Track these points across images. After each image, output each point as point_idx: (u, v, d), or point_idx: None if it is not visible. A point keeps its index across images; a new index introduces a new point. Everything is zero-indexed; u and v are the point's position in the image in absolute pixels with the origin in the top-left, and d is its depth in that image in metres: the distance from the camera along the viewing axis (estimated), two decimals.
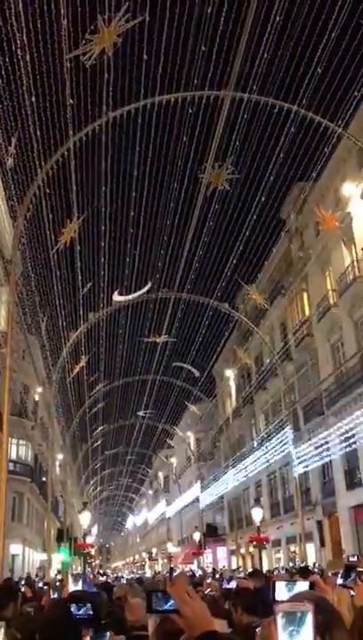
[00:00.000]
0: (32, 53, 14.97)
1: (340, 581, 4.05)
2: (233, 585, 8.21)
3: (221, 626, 4.42)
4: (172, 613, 1.93)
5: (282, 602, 2.05)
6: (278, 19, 15.34)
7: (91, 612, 2.86)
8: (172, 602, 1.93)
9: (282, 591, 2.79)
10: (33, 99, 16.04)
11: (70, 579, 7.13)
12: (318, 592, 3.18)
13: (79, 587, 7.07)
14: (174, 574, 23.39)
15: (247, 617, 4.51)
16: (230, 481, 40.78)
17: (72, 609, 2.80)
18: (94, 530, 75.64)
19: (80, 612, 2.83)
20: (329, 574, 13.85)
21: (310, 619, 1.54)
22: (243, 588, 5.98)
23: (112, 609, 5.80)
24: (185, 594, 1.89)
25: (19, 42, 14.63)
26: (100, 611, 3.20)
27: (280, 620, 1.54)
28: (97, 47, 15.02)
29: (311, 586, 3.03)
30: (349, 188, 24.47)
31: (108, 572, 63.13)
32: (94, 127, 18.21)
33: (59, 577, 24.05)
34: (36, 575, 29.23)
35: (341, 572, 4.07)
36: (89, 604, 2.88)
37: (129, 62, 16.66)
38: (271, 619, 1.64)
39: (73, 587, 6.84)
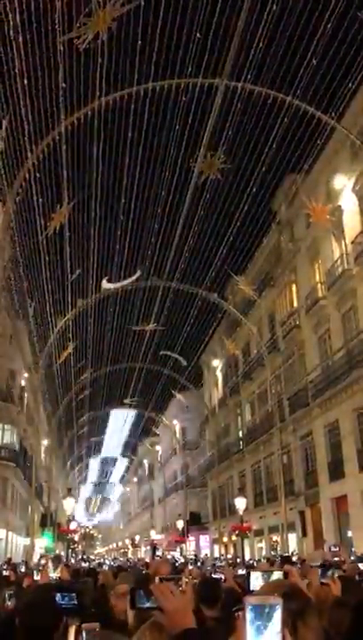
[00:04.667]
0: (25, 35, 14.78)
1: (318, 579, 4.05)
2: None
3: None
4: (154, 610, 1.93)
5: (252, 594, 2.01)
6: (274, 8, 15.25)
7: (75, 602, 2.86)
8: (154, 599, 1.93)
9: (258, 580, 2.79)
10: (25, 81, 15.85)
11: (50, 564, 7.18)
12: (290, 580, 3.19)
13: (58, 570, 7.11)
14: (156, 560, 23.49)
15: (206, 610, 4.20)
16: None
17: (56, 598, 2.80)
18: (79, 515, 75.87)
19: (64, 602, 2.83)
20: (310, 565, 13.96)
21: (278, 612, 1.50)
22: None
23: (97, 596, 5.80)
24: (168, 590, 1.89)
25: (12, 23, 14.43)
26: (85, 600, 3.20)
27: (249, 614, 1.50)
28: (91, 31, 14.84)
29: (285, 575, 3.06)
30: (340, 181, 24.48)
31: (92, 557, 63.35)
32: (86, 112, 18.04)
33: (43, 561, 24.11)
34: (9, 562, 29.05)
35: (319, 570, 4.08)
36: (73, 594, 2.88)
37: (123, 47, 16.51)
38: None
39: (52, 571, 6.89)
